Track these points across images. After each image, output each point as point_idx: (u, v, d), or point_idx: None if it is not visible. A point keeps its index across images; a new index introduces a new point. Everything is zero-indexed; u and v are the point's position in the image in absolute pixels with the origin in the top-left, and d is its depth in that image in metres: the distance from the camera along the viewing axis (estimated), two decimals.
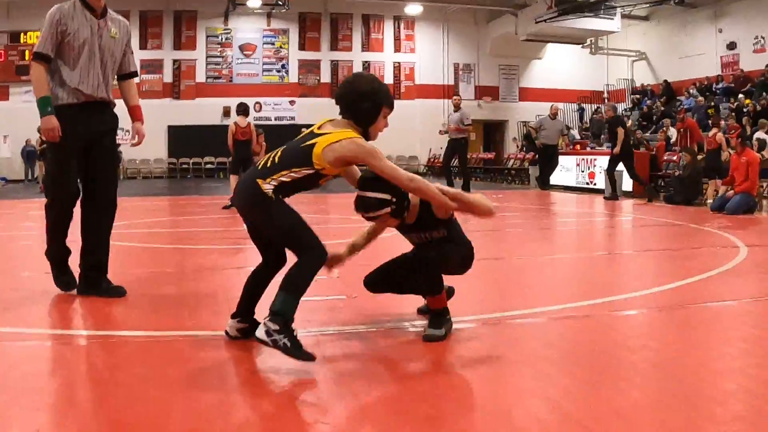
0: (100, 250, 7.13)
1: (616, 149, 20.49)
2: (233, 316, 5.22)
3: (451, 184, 20.97)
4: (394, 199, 5.07)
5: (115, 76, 7.24)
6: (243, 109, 17.60)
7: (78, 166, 6.89)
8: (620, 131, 20.34)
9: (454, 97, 23.04)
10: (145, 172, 38.31)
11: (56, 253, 7.16)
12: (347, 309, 6.29)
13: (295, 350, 4.43)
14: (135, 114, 7.44)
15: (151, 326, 5.72)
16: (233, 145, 17.21)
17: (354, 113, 5.11)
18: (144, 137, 7.37)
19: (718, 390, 4.15)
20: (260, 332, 4.51)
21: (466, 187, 21.05)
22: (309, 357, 4.43)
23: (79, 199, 7.07)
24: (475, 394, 4.19)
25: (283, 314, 4.58)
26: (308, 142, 4.87)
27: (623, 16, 37.07)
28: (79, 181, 6.99)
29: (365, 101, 5.10)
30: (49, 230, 7.14)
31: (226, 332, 5.22)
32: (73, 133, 6.70)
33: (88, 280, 7.05)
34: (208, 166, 38.44)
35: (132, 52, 7.48)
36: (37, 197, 22.60)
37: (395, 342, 5.28)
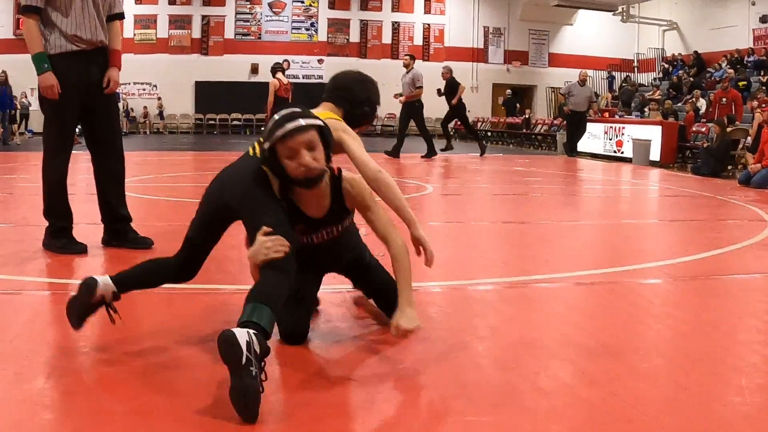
0: (120, 200, 7.10)
1: (454, 100, 23.31)
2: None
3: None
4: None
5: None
6: (281, 68, 17.64)
7: (78, 118, 6.75)
8: (461, 87, 23.27)
9: (404, 57, 22.15)
10: (171, 127, 38.36)
11: (62, 213, 6.88)
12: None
13: None
14: (114, 58, 6.84)
15: None
16: (273, 101, 17.19)
17: (350, 112, 4.74)
18: (118, 85, 6.85)
19: (743, 360, 4.13)
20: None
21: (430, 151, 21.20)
22: None
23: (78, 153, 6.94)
24: (499, 357, 4.18)
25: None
26: None
27: None
28: (80, 130, 6.88)
29: (367, 105, 4.79)
30: (53, 190, 6.80)
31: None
32: (76, 83, 6.52)
33: (114, 231, 7.05)
34: (235, 122, 38.46)
35: None
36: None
37: (419, 300, 5.27)
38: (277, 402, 3.34)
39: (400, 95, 21.45)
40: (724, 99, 22.34)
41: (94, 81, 6.65)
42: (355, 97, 4.74)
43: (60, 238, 6.77)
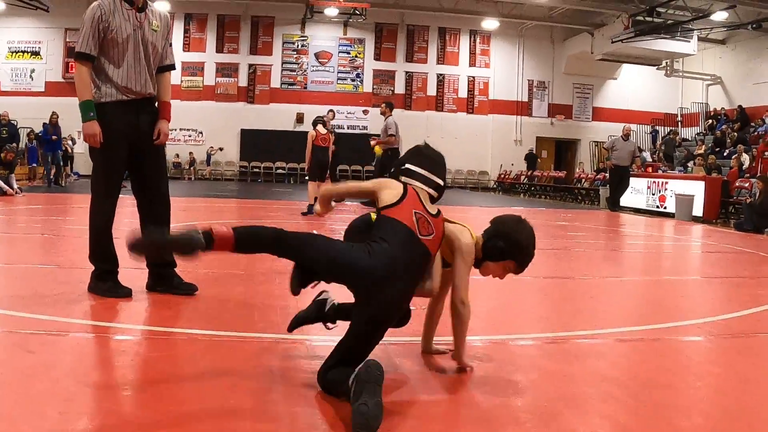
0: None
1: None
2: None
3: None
4: (443, 187, 4.87)
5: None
6: (322, 121, 18.14)
7: (126, 164, 6.87)
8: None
9: (382, 105, 21.20)
10: (216, 174, 38.62)
11: (108, 257, 6.94)
12: (416, 318, 6.28)
13: None
14: (164, 111, 7.12)
15: (220, 326, 5.77)
16: (312, 150, 17.55)
17: (486, 241, 4.90)
18: (167, 138, 7.05)
19: None
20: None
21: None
22: None
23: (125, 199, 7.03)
24: (539, 413, 4.18)
25: None
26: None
27: (699, 39, 36.80)
28: (126, 174, 6.98)
29: (502, 241, 4.87)
30: (99, 234, 6.91)
31: None
32: (125, 131, 6.69)
33: (159, 276, 7.09)
34: (279, 171, 38.69)
35: (171, 45, 7.22)
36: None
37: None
38: None
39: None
40: (766, 153, 22.22)
41: (143, 129, 6.80)
42: (500, 235, 4.90)
43: (106, 281, 6.84)
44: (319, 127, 17.93)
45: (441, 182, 4.86)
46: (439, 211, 4.70)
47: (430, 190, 4.80)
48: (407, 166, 4.85)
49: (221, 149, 38.52)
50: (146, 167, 6.95)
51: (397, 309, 4.42)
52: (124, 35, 6.59)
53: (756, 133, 30.09)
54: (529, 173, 38.05)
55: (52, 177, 26.22)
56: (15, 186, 20.04)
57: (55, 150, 26.27)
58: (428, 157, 4.93)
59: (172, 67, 7.22)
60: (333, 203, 5.30)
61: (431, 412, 3.99)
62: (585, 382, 4.73)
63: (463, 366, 4.84)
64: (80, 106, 6.54)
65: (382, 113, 20.28)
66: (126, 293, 6.79)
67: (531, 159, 38.92)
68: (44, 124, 26.50)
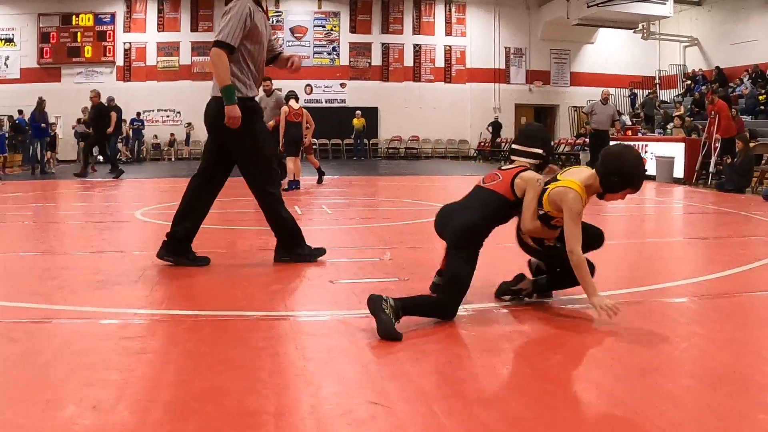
0: (196, 224, 7.60)
1: (110, 129, 23.68)
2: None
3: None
4: (544, 154, 5.77)
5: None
6: (294, 95, 18.07)
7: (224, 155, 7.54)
8: (113, 115, 23.84)
9: (264, 83, 20.62)
10: (196, 153, 38.50)
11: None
12: (399, 291, 6.30)
13: None
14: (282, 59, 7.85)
15: (203, 305, 5.77)
16: (285, 126, 17.53)
17: (602, 178, 5.52)
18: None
19: None
20: None
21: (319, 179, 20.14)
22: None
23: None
24: (523, 375, 4.19)
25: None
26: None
27: (675, 1, 36.75)
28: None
29: (616, 176, 5.46)
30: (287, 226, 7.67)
31: None
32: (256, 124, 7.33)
33: (177, 246, 7.47)
34: None
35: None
36: (87, 176, 22.85)
37: (447, 323, 5.28)
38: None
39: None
40: (713, 112, 22.14)
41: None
42: (611, 170, 5.53)
43: (303, 246, 7.75)
44: (292, 102, 17.90)
45: (539, 150, 5.82)
46: (518, 166, 5.79)
47: (530, 160, 5.81)
48: (512, 146, 5.98)
49: (189, 124, 38.27)
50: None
51: (472, 233, 5.44)
52: (261, 34, 7.22)
53: (734, 93, 30.13)
54: (495, 141, 37.90)
55: (43, 163, 26.00)
56: None
57: (43, 137, 26.05)
58: (522, 133, 6.08)
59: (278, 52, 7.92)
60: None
61: (424, 371, 3.99)
62: (569, 347, 4.73)
63: (596, 308, 5.28)
64: (223, 91, 7.06)
65: (267, 90, 19.79)
66: (321, 252, 7.82)
67: (496, 127, 38.78)
68: (32, 111, 26.20)
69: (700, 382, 4.08)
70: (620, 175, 5.41)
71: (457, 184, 21.41)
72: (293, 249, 7.67)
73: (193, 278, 6.92)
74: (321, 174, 20.27)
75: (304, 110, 18.30)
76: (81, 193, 18.06)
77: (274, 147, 7.54)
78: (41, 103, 25.86)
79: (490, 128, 38.26)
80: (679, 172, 21.59)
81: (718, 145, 20.95)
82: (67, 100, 33.57)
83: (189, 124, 38.34)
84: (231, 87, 7.02)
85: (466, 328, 5.17)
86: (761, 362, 4.48)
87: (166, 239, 7.51)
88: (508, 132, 38.42)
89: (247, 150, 7.44)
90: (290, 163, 17.69)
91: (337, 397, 3.74)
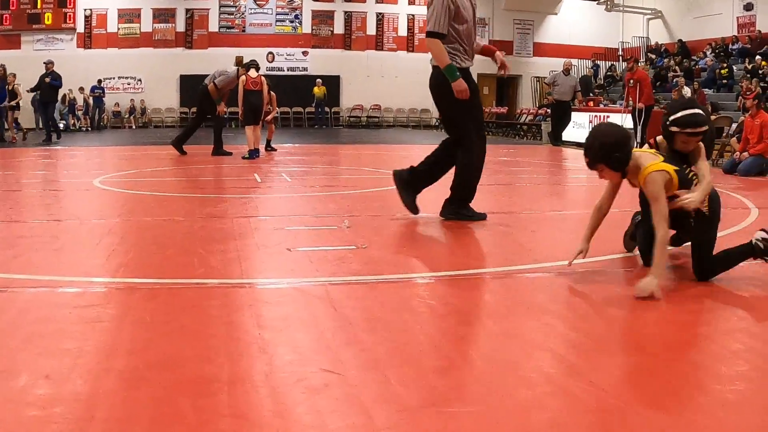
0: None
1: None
2: None
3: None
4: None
5: None
6: (255, 65, 18.08)
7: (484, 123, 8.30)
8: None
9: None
10: (156, 120, 38.31)
11: (473, 190, 8.53)
12: (356, 259, 6.31)
13: None
14: (490, 49, 8.94)
15: (159, 274, 5.75)
16: (243, 95, 17.54)
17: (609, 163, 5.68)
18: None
19: (724, 349, 4.16)
20: None
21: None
22: None
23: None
24: (481, 345, 4.21)
25: None
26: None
27: None
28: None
29: (616, 151, 5.59)
30: (477, 169, 8.42)
31: None
32: (474, 94, 8.20)
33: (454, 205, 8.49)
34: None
35: None
36: (47, 145, 22.72)
37: (402, 292, 5.30)
38: None
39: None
40: (631, 81, 22.18)
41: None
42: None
43: (468, 208, 8.42)
44: (251, 71, 17.88)
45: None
46: None
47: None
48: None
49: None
50: None
51: None
52: (468, 14, 8.17)
53: (697, 67, 30.27)
54: (489, 110, 37.98)
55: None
56: None
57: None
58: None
59: None
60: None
61: (378, 341, 4.00)
62: (526, 317, 4.75)
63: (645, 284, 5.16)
64: (446, 70, 8.03)
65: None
66: (482, 217, 8.40)
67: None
68: None
69: (653, 352, 4.10)
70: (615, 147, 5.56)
71: (418, 153, 21.41)
72: (460, 210, 8.41)
73: (150, 246, 6.89)
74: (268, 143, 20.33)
75: (263, 79, 18.28)
76: (39, 161, 17.94)
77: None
78: (3, 70, 25.54)
79: None
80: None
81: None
82: (27, 68, 33.24)
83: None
84: (451, 66, 7.97)
85: (422, 297, 5.18)
86: (717, 334, 4.51)
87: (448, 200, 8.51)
88: None
89: (455, 112, 8.31)
90: (249, 131, 17.68)
91: (292, 365, 3.73)
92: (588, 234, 6.01)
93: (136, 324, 4.42)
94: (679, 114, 5.95)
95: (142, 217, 8.57)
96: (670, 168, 5.50)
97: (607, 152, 5.53)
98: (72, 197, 10.86)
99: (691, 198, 5.47)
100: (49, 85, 24.25)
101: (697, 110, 5.98)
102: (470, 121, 8.28)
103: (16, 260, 6.26)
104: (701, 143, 5.95)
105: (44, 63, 25.04)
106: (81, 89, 34.98)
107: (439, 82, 8.17)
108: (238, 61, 20.31)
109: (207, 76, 18.95)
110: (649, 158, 5.60)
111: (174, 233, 7.56)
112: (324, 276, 5.63)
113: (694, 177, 5.75)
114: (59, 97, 27.62)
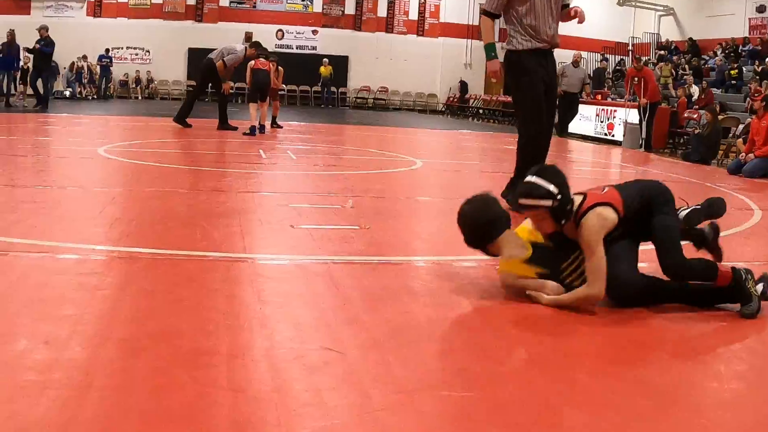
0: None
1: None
2: None
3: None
4: (559, 197, 4.66)
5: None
6: (264, 54, 18.30)
7: (544, 98, 7.94)
8: None
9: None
10: (163, 92, 38.24)
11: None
12: (359, 239, 6.30)
13: None
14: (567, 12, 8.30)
15: (162, 244, 5.74)
16: (251, 73, 17.57)
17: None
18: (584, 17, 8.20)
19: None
20: None
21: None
22: None
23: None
24: (481, 330, 4.20)
25: None
26: None
27: None
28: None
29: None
30: (527, 152, 8.02)
31: None
32: (538, 72, 7.82)
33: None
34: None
35: None
36: (53, 111, 22.69)
37: (404, 274, 5.30)
38: None
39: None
40: (636, 78, 22.07)
41: (550, 74, 8.09)
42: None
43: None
44: (261, 59, 17.99)
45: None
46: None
47: None
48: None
49: None
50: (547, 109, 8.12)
51: None
52: None
53: (707, 66, 30.18)
54: (464, 97, 37.99)
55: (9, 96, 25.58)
56: None
57: (10, 69, 25.59)
58: None
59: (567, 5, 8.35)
60: None
61: (378, 321, 3.99)
62: (529, 301, 4.74)
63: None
64: (485, 48, 8.24)
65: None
66: None
67: (463, 86, 38.79)
68: (3, 43, 25.71)
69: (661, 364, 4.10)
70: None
71: (423, 137, 21.43)
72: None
73: (153, 217, 6.89)
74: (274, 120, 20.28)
75: (272, 66, 18.36)
76: (44, 127, 17.91)
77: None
78: (12, 35, 25.44)
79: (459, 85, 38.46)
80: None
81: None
82: (35, 34, 33.21)
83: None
84: (489, 45, 8.12)
85: (423, 281, 5.18)
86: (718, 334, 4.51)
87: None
88: (476, 89, 38.45)
89: (513, 94, 8.41)
90: (252, 108, 17.69)
91: (291, 341, 3.74)
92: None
93: (137, 293, 4.43)
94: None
95: (146, 187, 8.56)
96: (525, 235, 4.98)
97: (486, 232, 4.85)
98: (76, 165, 10.85)
99: (545, 298, 4.73)
100: (39, 51, 24.04)
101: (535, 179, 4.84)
102: (525, 105, 8.12)
103: (17, 225, 6.26)
104: (585, 227, 4.71)
105: (37, 29, 24.73)
106: (85, 57, 34.84)
107: (506, 64, 8.21)
108: (248, 37, 20.40)
109: (215, 50, 18.87)
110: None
111: (177, 205, 7.56)
112: (326, 254, 5.63)
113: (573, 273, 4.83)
114: (59, 65, 27.35)
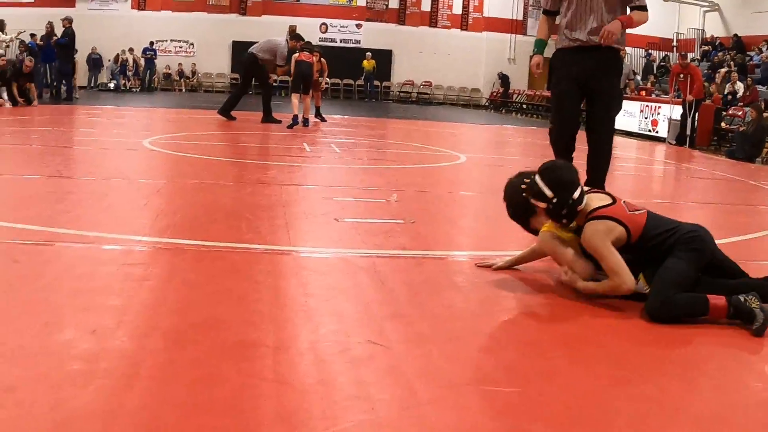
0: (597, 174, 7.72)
1: None
2: None
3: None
4: (554, 200, 4.75)
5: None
6: (309, 48, 18.48)
7: (577, 101, 7.54)
8: None
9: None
10: (207, 85, 38.39)
11: None
12: (404, 233, 6.30)
13: None
14: (622, 18, 7.40)
15: (207, 236, 5.76)
16: (294, 64, 17.67)
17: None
18: (610, 35, 7.16)
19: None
20: None
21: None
22: None
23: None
24: (525, 326, 4.19)
25: None
26: None
27: None
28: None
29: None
30: (556, 151, 7.70)
31: None
32: (568, 73, 7.36)
33: None
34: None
35: None
36: (98, 104, 22.83)
37: (448, 269, 5.29)
38: None
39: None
40: (681, 75, 21.84)
41: (590, 74, 7.30)
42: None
43: None
44: (305, 52, 18.11)
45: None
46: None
47: None
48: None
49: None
50: (593, 112, 7.53)
51: None
52: None
53: (751, 62, 29.89)
54: (507, 92, 37.86)
55: (57, 88, 25.69)
56: (5, 96, 19.67)
57: (51, 61, 25.67)
58: None
59: (641, 8, 7.64)
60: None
61: (422, 315, 3.99)
62: (571, 298, 4.72)
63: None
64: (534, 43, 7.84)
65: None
66: None
67: (504, 79, 38.64)
68: (43, 36, 25.79)
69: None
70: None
71: (466, 132, 21.40)
72: None
73: (198, 209, 6.91)
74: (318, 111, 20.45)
75: (314, 58, 18.48)
76: (89, 119, 18.05)
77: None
78: (51, 27, 25.51)
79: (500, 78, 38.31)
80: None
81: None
82: (80, 27, 33.37)
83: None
84: (537, 41, 7.75)
85: (466, 275, 5.16)
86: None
87: None
88: (519, 84, 38.31)
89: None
90: (294, 98, 17.87)
91: (336, 334, 3.74)
92: (512, 260, 5.44)
93: (183, 285, 4.45)
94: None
95: (190, 179, 8.60)
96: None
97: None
98: (121, 156, 10.91)
99: (579, 284, 4.79)
100: (56, 42, 24.14)
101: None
102: (551, 101, 8.11)
103: (64, 215, 6.32)
104: (586, 231, 4.75)
105: (61, 20, 24.75)
106: (131, 50, 35.08)
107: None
108: (292, 30, 20.40)
109: (256, 43, 18.97)
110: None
111: (222, 197, 7.58)
112: (371, 248, 5.63)
113: None
114: (102, 57, 27.29)
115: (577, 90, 7.34)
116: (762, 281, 4.63)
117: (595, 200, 4.84)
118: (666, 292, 4.38)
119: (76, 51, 27.46)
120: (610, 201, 4.85)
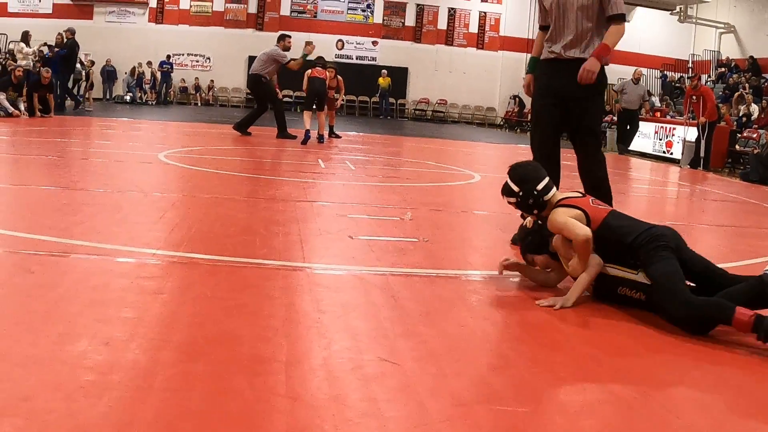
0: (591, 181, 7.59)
1: None
2: None
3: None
4: (521, 193, 5.35)
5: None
6: (321, 63, 18.61)
7: (554, 115, 7.28)
8: None
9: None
10: (222, 100, 38.48)
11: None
12: (417, 252, 6.31)
13: None
14: (597, 49, 7.07)
15: (221, 251, 5.77)
16: (307, 81, 17.73)
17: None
18: (588, 74, 6.95)
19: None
20: None
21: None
22: None
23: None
24: (538, 346, 4.19)
25: None
26: None
27: None
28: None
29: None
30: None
31: None
32: (546, 85, 7.26)
33: None
34: (285, 99, 38.44)
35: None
36: (113, 116, 22.89)
37: (461, 288, 5.30)
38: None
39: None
40: (694, 97, 21.76)
41: (564, 89, 7.09)
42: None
43: None
44: (318, 68, 18.17)
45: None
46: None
47: None
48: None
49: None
50: (571, 121, 7.33)
51: None
52: (548, 2, 7.22)
53: (767, 84, 29.85)
54: (522, 111, 37.86)
55: (73, 98, 25.80)
56: (22, 107, 19.74)
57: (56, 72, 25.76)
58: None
59: (617, 17, 7.11)
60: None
61: (434, 333, 4.00)
62: (586, 317, 4.73)
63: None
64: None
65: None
66: None
67: (518, 99, 38.67)
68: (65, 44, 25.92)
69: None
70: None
71: (481, 151, 21.39)
72: None
73: (212, 223, 6.93)
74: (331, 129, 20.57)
75: (328, 74, 18.52)
76: (104, 131, 18.12)
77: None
78: (59, 37, 25.56)
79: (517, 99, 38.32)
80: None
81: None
82: (97, 39, 33.55)
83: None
84: (531, 59, 7.69)
85: (480, 294, 5.17)
86: None
87: None
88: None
89: None
90: (306, 116, 17.86)
91: (349, 351, 3.76)
92: (524, 265, 5.58)
93: (197, 299, 4.47)
94: None
95: (205, 194, 8.62)
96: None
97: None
98: (136, 169, 10.95)
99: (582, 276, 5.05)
100: (56, 54, 24.25)
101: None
102: (531, 115, 7.75)
103: (79, 227, 6.34)
104: (552, 216, 5.21)
105: (63, 31, 24.82)
106: (149, 63, 35.28)
107: None
108: (279, 36, 20.37)
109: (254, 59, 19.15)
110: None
111: (236, 212, 7.60)
112: (385, 266, 5.64)
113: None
114: (117, 69, 27.27)
115: (556, 101, 7.20)
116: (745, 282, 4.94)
117: (563, 194, 5.38)
118: (680, 295, 4.57)
119: (93, 63, 27.59)
120: (578, 195, 5.39)
